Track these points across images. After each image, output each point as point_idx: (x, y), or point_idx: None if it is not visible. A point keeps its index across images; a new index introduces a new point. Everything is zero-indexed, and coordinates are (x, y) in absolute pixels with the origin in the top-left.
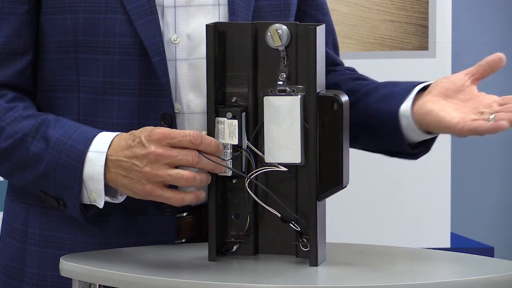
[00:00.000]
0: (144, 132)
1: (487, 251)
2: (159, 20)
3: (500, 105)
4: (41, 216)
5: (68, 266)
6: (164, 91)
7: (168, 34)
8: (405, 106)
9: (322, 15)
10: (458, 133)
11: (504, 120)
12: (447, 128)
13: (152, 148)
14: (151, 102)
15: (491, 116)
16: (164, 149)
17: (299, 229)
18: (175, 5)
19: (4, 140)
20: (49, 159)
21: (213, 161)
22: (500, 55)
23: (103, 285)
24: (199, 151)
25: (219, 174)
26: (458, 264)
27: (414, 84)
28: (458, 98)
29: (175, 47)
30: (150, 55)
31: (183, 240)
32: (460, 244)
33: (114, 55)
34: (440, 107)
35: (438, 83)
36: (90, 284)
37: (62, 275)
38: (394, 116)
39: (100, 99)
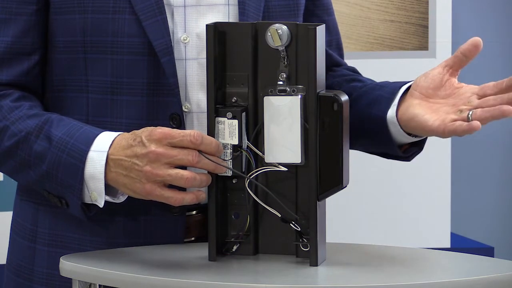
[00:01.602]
0: (145, 131)
1: (487, 251)
2: (167, 20)
3: (479, 97)
4: (50, 215)
5: (68, 266)
6: (172, 91)
7: (178, 33)
8: (391, 112)
9: (327, 15)
10: (441, 135)
11: (478, 120)
12: (431, 132)
13: (153, 147)
14: (159, 102)
15: (470, 113)
16: (165, 148)
17: (299, 229)
18: (185, 5)
19: (8, 138)
20: (51, 158)
21: (213, 161)
22: (475, 40)
23: (103, 285)
24: (200, 151)
25: (219, 174)
26: (458, 264)
27: (400, 85)
28: (438, 96)
29: (185, 46)
30: (159, 55)
31: (193, 239)
32: (460, 244)
33: (122, 55)
34: (422, 111)
35: (418, 83)
36: (90, 284)
37: (62, 275)
38: (383, 122)
39: (109, 99)
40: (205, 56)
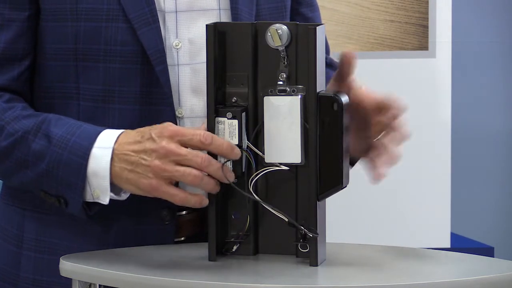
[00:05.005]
0: (154, 129)
1: (487, 251)
2: (161, 29)
3: (381, 109)
4: (37, 221)
5: (68, 266)
6: (166, 100)
7: (170, 39)
8: None
9: (311, 12)
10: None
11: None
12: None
13: (164, 143)
14: (152, 110)
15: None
16: (176, 146)
17: (310, 234)
18: (176, 10)
19: (4, 139)
20: (52, 156)
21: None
22: (347, 53)
23: (103, 285)
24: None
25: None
26: (458, 264)
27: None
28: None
29: (177, 52)
30: (153, 63)
31: (182, 238)
32: (460, 244)
33: (115, 64)
34: None
35: None
36: (90, 284)
37: (62, 275)
38: None
39: (100, 107)
40: (197, 61)
